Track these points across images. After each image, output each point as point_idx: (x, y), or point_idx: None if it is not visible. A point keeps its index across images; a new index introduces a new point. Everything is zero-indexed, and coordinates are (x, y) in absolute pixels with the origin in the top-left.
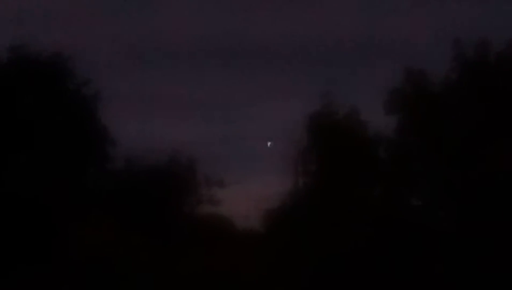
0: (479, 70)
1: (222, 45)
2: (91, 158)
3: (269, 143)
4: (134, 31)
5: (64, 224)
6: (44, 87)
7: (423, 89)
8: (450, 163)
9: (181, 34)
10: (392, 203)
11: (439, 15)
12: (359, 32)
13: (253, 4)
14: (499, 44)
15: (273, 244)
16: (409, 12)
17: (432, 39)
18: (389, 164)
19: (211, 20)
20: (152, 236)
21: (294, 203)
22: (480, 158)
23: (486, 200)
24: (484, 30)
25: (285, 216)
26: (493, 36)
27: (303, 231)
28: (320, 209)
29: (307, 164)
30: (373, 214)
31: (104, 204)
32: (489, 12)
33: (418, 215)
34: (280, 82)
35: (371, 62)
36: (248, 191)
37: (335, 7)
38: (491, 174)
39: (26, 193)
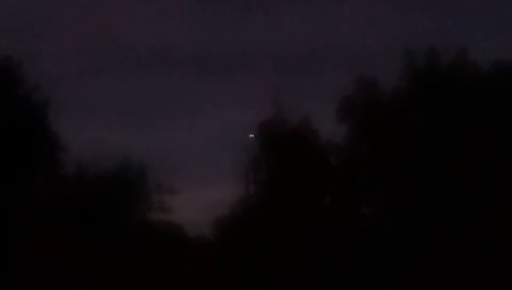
0: (429, 79)
1: (174, 53)
2: (42, 165)
3: (250, 135)
4: (86, 38)
5: (13, 231)
6: None
7: (374, 97)
8: (400, 171)
9: (133, 42)
10: (342, 211)
11: (391, 24)
12: (310, 40)
13: (205, 12)
14: (448, 53)
15: (223, 252)
16: (360, 21)
17: (383, 48)
18: (340, 172)
19: (162, 28)
20: (102, 243)
21: (245, 211)
22: (429, 166)
23: (435, 208)
24: (434, 40)
25: (236, 223)
26: (443, 46)
27: (254, 239)
28: (270, 217)
29: (258, 172)
30: (323, 222)
31: (54, 211)
32: (439, 22)
33: (367, 223)
34: (231, 90)
35: (322, 70)
36: (199, 199)
37: (288, 16)
38: (441, 182)
39: None
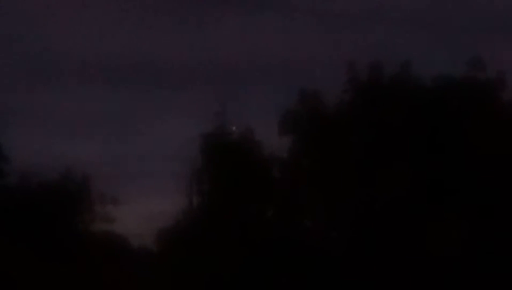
0: (372, 92)
1: (117, 62)
2: None
3: (233, 128)
4: (27, 46)
5: None
6: None
7: (317, 110)
8: (342, 185)
9: (75, 50)
10: (285, 223)
11: (334, 37)
12: (254, 52)
13: (148, 21)
14: (392, 66)
15: (166, 263)
16: (304, 34)
17: (327, 61)
18: (283, 184)
19: (104, 36)
20: (45, 254)
21: (188, 222)
22: (372, 179)
23: (378, 222)
24: (377, 53)
25: (179, 235)
26: (386, 59)
27: (196, 250)
28: (213, 228)
29: (201, 184)
30: (265, 234)
31: None
32: (382, 35)
33: (310, 236)
34: (175, 101)
35: (266, 83)
36: (142, 210)
37: (231, 27)
38: (383, 196)
39: None
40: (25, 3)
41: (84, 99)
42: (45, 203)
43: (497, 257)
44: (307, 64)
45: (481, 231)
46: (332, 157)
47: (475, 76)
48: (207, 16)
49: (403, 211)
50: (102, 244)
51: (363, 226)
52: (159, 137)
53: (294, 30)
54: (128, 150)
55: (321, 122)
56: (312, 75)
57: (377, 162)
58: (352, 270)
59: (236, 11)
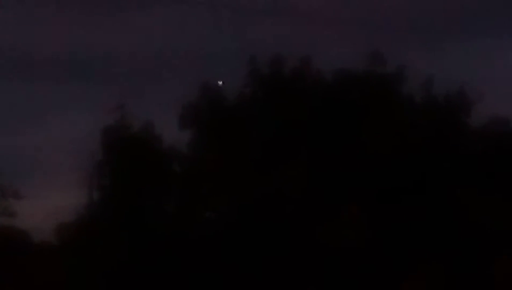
0: (273, 86)
1: (17, 56)
2: None
3: (220, 82)
4: None
5: None
6: None
7: (217, 104)
8: (242, 177)
9: None
10: (186, 217)
11: (234, 31)
12: (154, 46)
13: (49, 17)
14: (292, 61)
15: (67, 257)
16: (204, 28)
17: (227, 54)
18: (183, 178)
19: (5, 30)
20: None
21: (89, 216)
22: (272, 172)
23: (279, 214)
24: (278, 47)
25: (80, 228)
26: (287, 53)
27: (98, 245)
28: (114, 222)
29: (102, 178)
30: (165, 226)
31: None
32: (283, 30)
33: (212, 230)
34: (76, 95)
35: (166, 76)
36: (43, 204)
37: (132, 21)
38: (284, 191)
39: None
40: None
41: None
42: None
43: (392, 251)
44: (208, 58)
45: (379, 224)
46: (232, 150)
47: (374, 71)
48: (107, 10)
49: (302, 202)
50: (2, 238)
51: (262, 217)
52: (60, 131)
53: (196, 24)
54: (29, 144)
55: (221, 116)
56: (213, 69)
57: (277, 154)
58: (249, 261)
59: (138, 5)
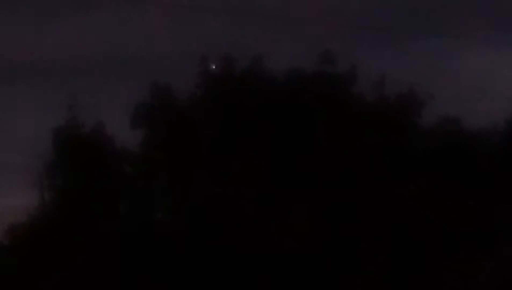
0: (224, 86)
1: None
2: None
3: (212, 66)
4: None
5: None
6: None
7: (169, 104)
8: (193, 178)
9: None
10: (138, 218)
11: (186, 30)
12: (105, 45)
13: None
14: (243, 60)
15: (18, 259)
16: (155, 27)
17: (178, 54)
18: (135, 179)
19: None
20: None
21: (40, 217)
22: (224, 172)
23: (229, 216)
24: (229, 47)
25: (31, 230)
26: (238, 53)
27: (49, 246)
28: (65, 224)
29: (53, 178)
30: (118, 229)
31: None
32: (234, 29)
33: (162, 230)
34: (25, 94)
35: (117, 76)
36: None
37: (83, 20)
38: (235, 190)
39: None
40: None
41: None
42: None
43: (343, 250)
44: (160, 58)
45: (329, 224)
46: (184, 150)
47: (326, 71)
48: (60, 9)
49: (253, 202)
50: None
51: (214, 217)
52: (11, 131)
53: (147, 23)
54: None
55: (172, 116)
56: (164, 69)
57: (229, 154)
58: (201, 261)
59: (89, 4)
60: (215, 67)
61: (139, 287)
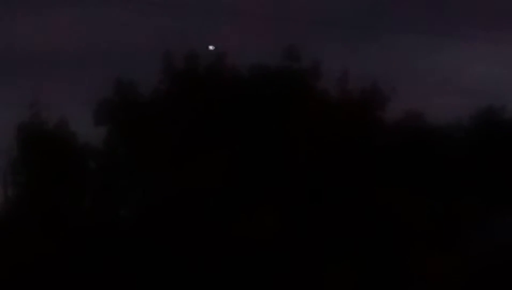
0: (188, 81)
1: None
2: None
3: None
4: None
5: None
6: None
7: (132, 100)
8: (158, 175)
9: None
10: (101, 213)
11: (149, 26)
12: (68, 42)
13: None
14: (207, 56)
15: None
16: (120, 23)
17: (141, 50)
18: (98, 175)
19: None
20: None
21: (4, 214)
22: (187, 168)
23: (192, 212)
24: (192, 43)
25: None
26: (202, 49)
27: (13, 242)
28: (29, 220)
29: (17, 175)
30: (81, 223)
31: None
32: (197, 25)
33: (126, 226)
34: None
35: (80, 72)
36: None
37: (46, 17)
38: (199, 187)
39: None
40: None
41: None
42: None
43: (308, 244)
44: (123, 54)
45: (294, 220)
46: (147, 146)
47: (290, 66)
48: (23, 5)
49: (217, 199)
50: None
51: (177, 213)
52: None
53: (110, 19)
54: None
55: (136, 112)
56: (128, 65)
57: (192, 151)
58: (165, 257)
59: (51, 2)
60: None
61: (103, 283)
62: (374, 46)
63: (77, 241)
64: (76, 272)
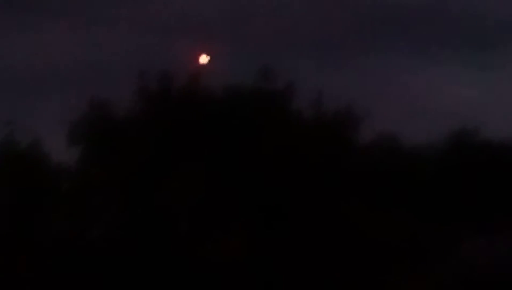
0: (162, 102)
1: None
2: None
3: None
4: None
5: None
6: None
7: (106, 120)
8: (131, 194)
9: None
10: (74, 233)
11: (123, 46)
12: (43, 62)
13: None
14: (182, 77)
15: None
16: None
17: (116, 70)
18: (71, 195)
19: None
20: None
21: None
22: (160, 190)
23: (164, 232)
24: (166, 63)
25: None
26: (176, 69)
27: None
28: (1, 240)
29: None
30: (54, 245)
31: None
32: (172, 46)
33: (99, 246)
34: None
35: (54, 92)
36: None
37: (21, 35)
38: (170, 207)
39: None
40: None
41: None
42: None
43: (278, 263)
44: (96, 74)
45: (264, 240)
46: (120, 167)
47: (264, 87)
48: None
49: (188, 219)
50: None
51: (149, 233)
52: None
53: (85, 39)
54: None
55: (109, 132)
56: (101, 84)
57: (165, 171)
58: (136, 276)
59: (27, 19)
60: None
61: None
62: (348, 67)
63: (50, 261)
64: None
